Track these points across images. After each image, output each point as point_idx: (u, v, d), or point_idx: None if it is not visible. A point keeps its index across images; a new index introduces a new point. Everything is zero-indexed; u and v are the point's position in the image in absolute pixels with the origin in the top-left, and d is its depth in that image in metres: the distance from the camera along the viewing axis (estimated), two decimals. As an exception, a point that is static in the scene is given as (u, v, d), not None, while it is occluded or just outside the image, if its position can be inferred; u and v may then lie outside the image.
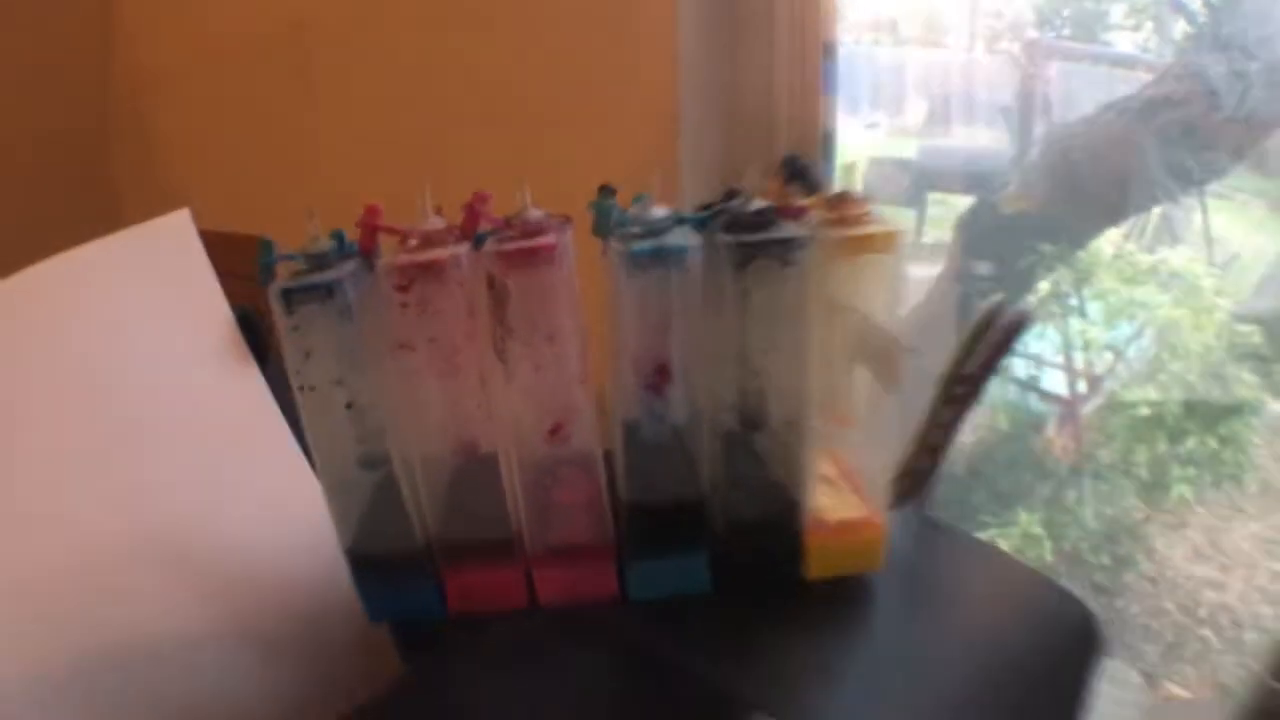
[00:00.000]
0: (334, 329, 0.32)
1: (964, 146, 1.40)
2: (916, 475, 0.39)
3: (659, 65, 0.66)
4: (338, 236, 0.34)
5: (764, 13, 0.67)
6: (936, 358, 0.39)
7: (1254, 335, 1.16)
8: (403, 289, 0.32)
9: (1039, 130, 1.19)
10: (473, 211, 0.33)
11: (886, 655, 0.36)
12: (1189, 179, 1.03)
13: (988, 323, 0.39)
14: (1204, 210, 1.16)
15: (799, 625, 0.35)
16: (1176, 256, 1.22)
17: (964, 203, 1.36)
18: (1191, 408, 1.17)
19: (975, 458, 1.37)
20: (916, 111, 1.49)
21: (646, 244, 0.31)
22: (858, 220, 0.32)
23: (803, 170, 0.33)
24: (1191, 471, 1.16)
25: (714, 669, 0.33)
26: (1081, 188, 1.12)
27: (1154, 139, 1.01)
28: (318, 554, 0.38)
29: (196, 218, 0.41)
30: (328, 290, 0.31)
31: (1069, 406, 1.32)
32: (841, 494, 0.37)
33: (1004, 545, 1.22)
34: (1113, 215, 1.20)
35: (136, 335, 0.39)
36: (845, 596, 0.37)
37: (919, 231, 1.45)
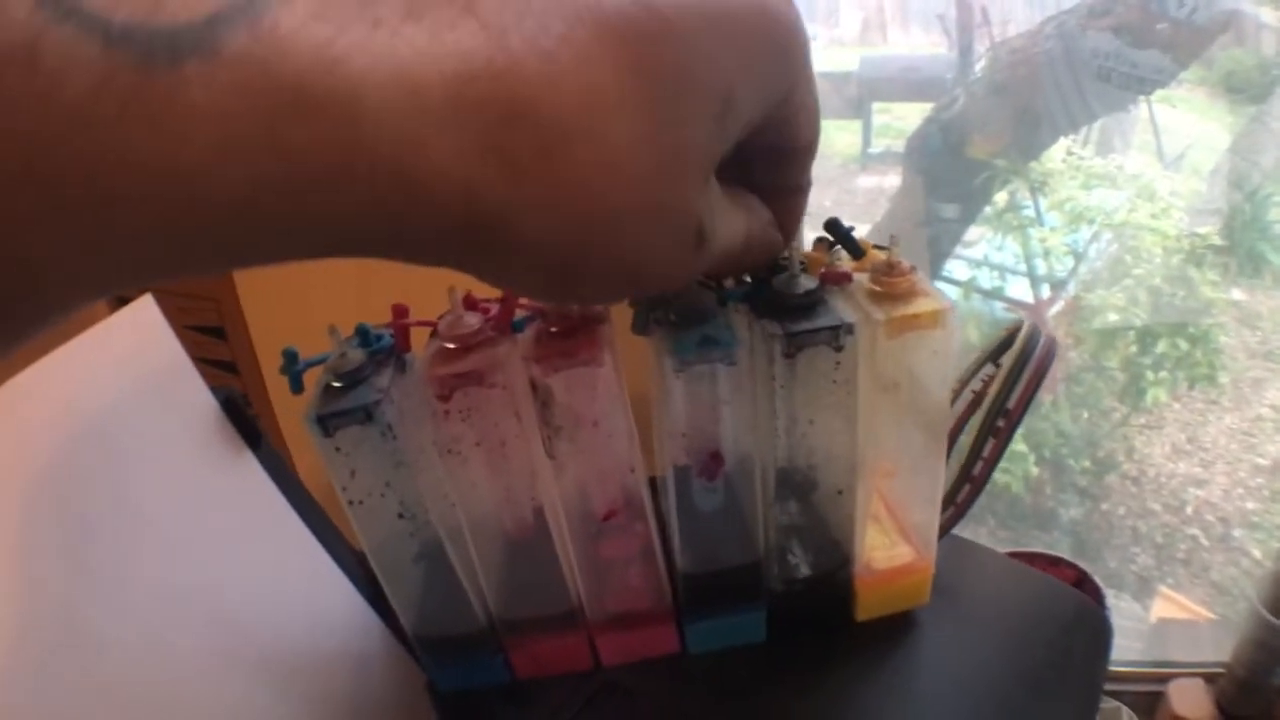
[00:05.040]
0: (377, 446, 0.30)
1: (903, 55, 1.33)
2: (960, 508, 0.37)
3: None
4: (362, 332, 0.32)
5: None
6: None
7: (1212, 236, 1.13)
8: (444, 398, 0.29)
9: (980, 42, 1.12)
10: (508, 303, 0.31)
11: (930, 680, 0.35)
12: (1136, 87, 0.98)
13: (1025, 354, 0.36)
14: (1150, 109, 1.11)
15: (847, 662, 0.35)
16: (1129, 160, 1.17)
17: (908, 110, 1.29)
18: (1158, 311, 1.15)
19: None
20: (851, 21, 1.40)
21: (691, 341, 0.28)
22: (906, 294, 0.29)
23: (847, 235, 0.30)
24: (1164, 375, 1.15)
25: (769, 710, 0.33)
26: (1030, 103, 1.07)
27: (1098, 48, 0.95)
28: (353, 630, 0.37)
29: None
30: (366, 413, 0.28)
31: (1034, 311, 1.31)
32: (889, 533, 0.36)
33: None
34: (1063, 127, 1.14)
35: (127, 438, 0.36)
36: (891, 631, 0.36)
37: (866, 142, 1.39)
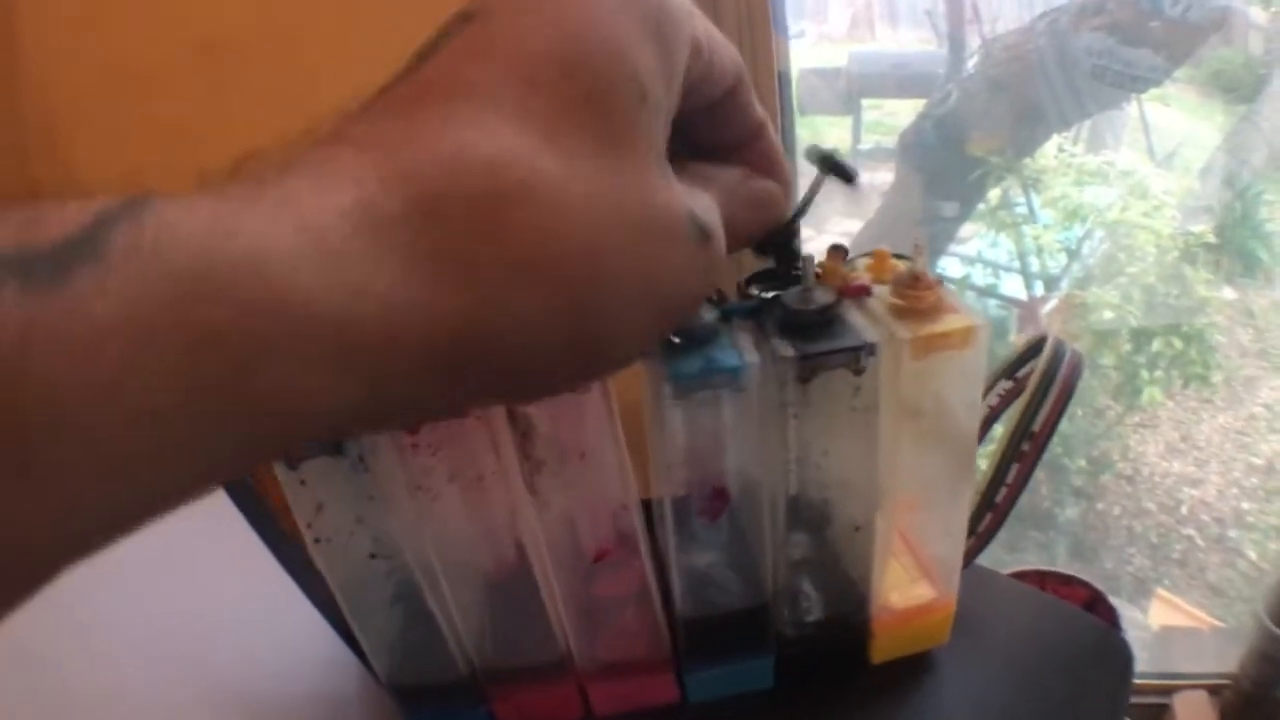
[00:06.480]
0: (347, 479, 0.26)
1: (894, 51, 1.29)
2: (981, 538, 0.34)
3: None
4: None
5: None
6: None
7: (1205, 234, 1.11)
8: (411, 430, 0.26)
9: (971, 38, 1.09)
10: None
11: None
12: (1129, 85, 0.95)
13: (1050, 373, 0.33)
14: (1141, 107, 1.07)
15: (861, 706, 0.31)
16: (1120, 157, 1.14)
17: (899, 106, 1.26)
18: (1152, 310, 1.11)
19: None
20: (840, 18, 1.37)
21: (693, 364, 0.24)
22: (932, 310, 0.25)
23: (838, 166, 0.25)
24: (1159, 373, 1.12)
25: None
26: (1025, 100, 1.03)
27: (1092, 46, 0.92)
28: (329, 669, 0.33)
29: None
30: (334, 446, 0.24)
31: (1028, 309, 1.28)
32: (908, 570, 0.33)
33: (981, 464, 1.18)
34: (1056, 124, 1.11)
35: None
36: (906, 670, 0.32)
37: (856, 138, 1.37)
